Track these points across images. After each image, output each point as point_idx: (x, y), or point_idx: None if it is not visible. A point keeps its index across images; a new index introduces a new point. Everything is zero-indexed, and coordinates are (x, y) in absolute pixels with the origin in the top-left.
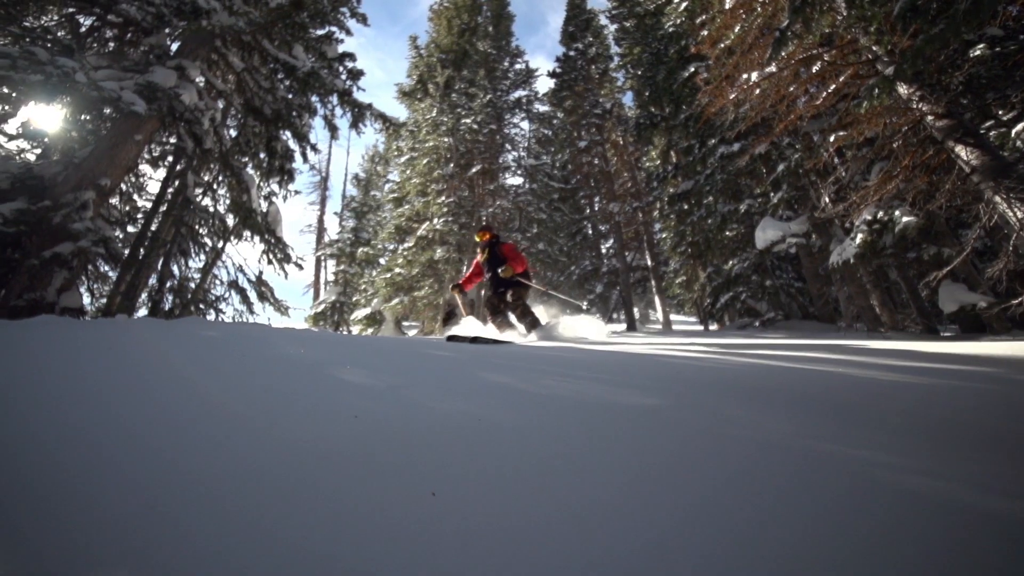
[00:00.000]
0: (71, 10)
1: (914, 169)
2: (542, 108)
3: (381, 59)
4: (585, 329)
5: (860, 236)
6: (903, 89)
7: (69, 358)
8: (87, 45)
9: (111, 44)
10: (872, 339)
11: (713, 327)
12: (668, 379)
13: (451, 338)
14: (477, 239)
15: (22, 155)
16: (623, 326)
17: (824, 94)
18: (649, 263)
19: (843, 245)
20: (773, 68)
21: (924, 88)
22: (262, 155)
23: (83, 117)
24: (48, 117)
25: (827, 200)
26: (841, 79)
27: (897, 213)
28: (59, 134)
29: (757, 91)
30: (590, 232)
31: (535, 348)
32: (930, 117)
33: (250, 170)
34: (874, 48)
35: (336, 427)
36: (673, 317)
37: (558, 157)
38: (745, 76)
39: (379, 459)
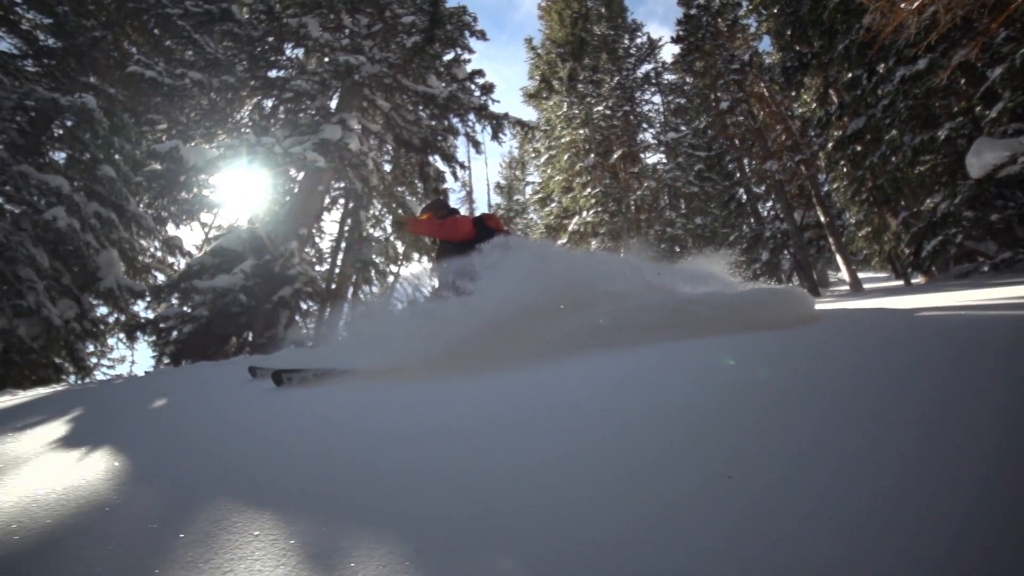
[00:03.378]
0: (258, 97)
1: None
2: (671, 77)
3: (496, 68)
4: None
5: None
6: None
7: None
8: (272, 123)
9: (284, 116)
10: None
11: (917, 280)
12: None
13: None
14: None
15: (237, 222)
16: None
17: None
18: (823, 219)
19: None
20: None
21: None
22: (416, 182)
23: (278, 180)
24: (255, 185)
25: None
26: None
27: None
28: (264, 198)
29: None
30: (744, 198)
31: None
32: None
33: (408, 197)
34: None
35: (591, 423)
36: (859, 275)
37: (695, 124)
38: None
39: (652, 444)
